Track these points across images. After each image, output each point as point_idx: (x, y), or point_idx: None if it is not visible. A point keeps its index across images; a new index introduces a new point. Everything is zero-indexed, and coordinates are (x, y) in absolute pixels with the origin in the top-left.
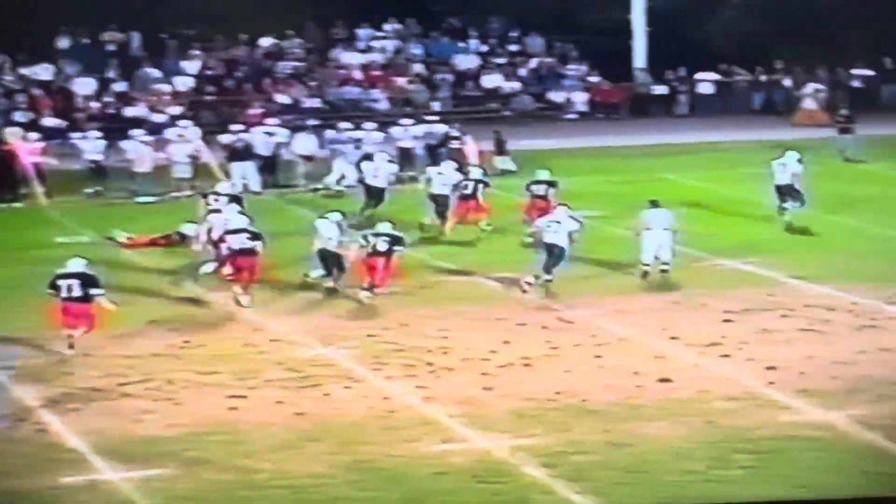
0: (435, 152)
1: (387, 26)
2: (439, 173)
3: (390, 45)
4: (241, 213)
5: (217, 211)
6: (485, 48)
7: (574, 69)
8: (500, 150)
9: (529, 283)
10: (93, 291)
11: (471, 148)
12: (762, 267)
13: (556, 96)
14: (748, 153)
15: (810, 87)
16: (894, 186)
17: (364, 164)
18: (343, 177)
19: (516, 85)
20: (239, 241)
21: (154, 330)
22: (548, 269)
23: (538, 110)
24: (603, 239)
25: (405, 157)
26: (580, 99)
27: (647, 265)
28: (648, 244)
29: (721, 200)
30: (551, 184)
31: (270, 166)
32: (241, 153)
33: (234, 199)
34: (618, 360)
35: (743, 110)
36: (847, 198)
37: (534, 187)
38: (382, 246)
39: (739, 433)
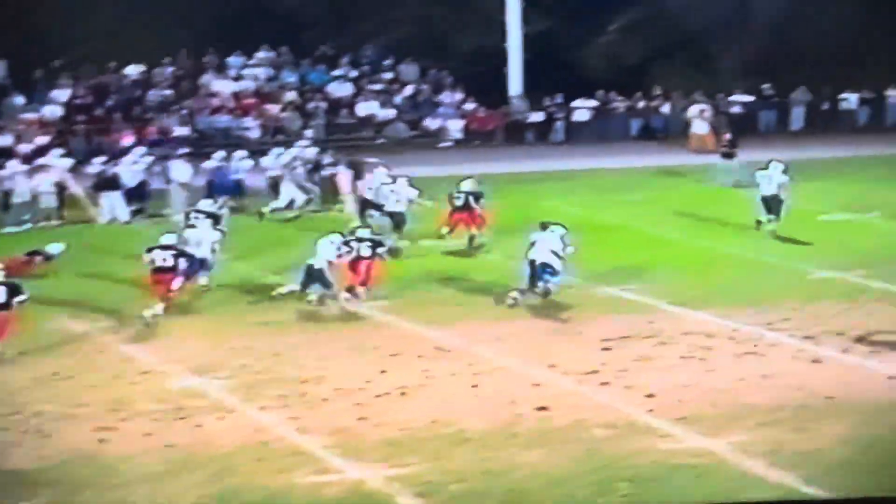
0: (308, 177)
1: (259, 54)
2: (392, 191)
3: (262, 72)
4: (218, 230)
5: (193, 227)
6: (358, 75)
7: (449, 96)
8: (358, 177)
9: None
10: (17, 299)
11: (344, 176)
12: (641, 294)
13: (432, 123)
14: (626, 180)
15: (695, 109)
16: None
17: (384, 190)
18: (293, 200)
19: (391, 112)
20: (160, 258)
21: (23, 361)
22: (536, 288)
23: (413, 138)
24: (479, 265)
25: (274, 186)
26: (455, 126)
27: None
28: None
29: (598, 227)
30: (476, 195)
31: (139, 195)
32: (108, 183)
33: (212, 216)
34: (495, 388)
35: (620, 137)
36: (727, 224)
37: (456, 198)
38: (366, 251)
39: (619, 461)
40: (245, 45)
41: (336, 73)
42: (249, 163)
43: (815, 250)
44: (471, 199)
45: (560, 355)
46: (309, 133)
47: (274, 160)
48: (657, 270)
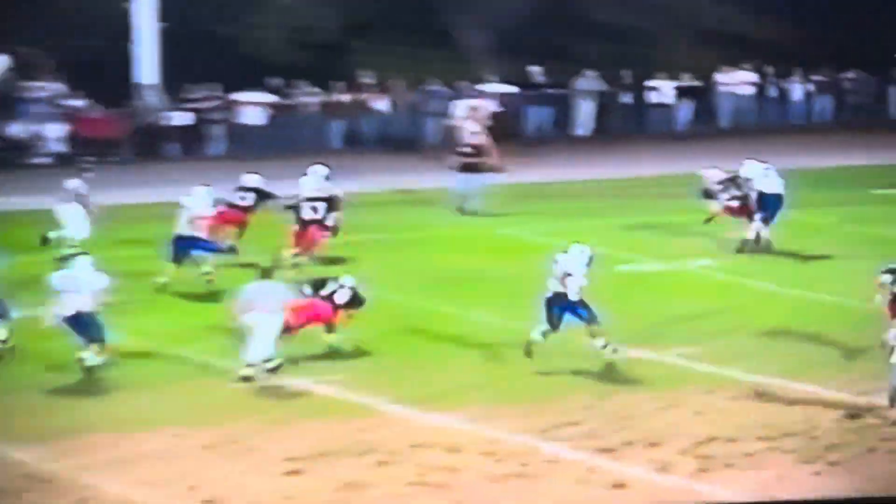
0: None
1: None
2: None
3: None
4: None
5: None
6: None
7: (44, 87)
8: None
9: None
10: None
11: None
12: (347, 387)
13: (16, 129)
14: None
15: (463, 106)
16: (539, 255)
17: None
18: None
19: None
20: None
21: None
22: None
23: None
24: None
25: None
26: (55, 133)
27: (253, 365)
28: (258, 333)
29: None
30: (258, 192)
31: None
32: None
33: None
34: None
35: (314, 147)
36: (482, 276)
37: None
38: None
39: None
40: None
41: None
42: None
43: (615, 317)
44: (321, 207)
45: (221, 485)
46: None
47: None
48: (373, 352)
